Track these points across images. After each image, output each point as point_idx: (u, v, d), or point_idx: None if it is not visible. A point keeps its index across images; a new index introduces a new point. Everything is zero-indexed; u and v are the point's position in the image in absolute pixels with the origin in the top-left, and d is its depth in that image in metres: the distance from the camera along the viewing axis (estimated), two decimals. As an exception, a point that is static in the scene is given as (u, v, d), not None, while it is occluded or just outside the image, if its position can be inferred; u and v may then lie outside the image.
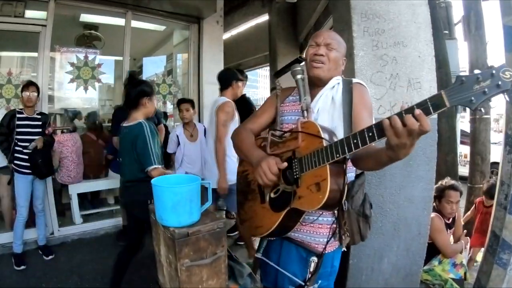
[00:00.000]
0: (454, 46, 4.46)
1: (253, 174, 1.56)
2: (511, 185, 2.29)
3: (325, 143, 1.19)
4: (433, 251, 2.75)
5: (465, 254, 3.01)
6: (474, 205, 3.70)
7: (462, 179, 4.29)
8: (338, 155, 1.12)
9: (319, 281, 1.47)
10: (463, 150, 6.73)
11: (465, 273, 2.82)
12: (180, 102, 3.77)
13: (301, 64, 1.49)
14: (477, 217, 3.55)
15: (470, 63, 3.87)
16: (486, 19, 3.86)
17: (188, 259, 1.13)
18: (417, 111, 0.93)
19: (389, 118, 0.99)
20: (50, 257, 3.42)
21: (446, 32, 4.38)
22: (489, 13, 4.51)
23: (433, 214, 2.66)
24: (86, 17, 4.97)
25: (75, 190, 4.13)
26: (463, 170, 5.11)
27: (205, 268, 1.16)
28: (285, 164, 1.32)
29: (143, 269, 3.04)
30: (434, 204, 2.87)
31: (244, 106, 3.72)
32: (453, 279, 2.71)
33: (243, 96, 3.85)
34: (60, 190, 4.39)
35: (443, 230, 2.82)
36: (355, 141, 1.07)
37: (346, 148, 1.10)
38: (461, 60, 4.50)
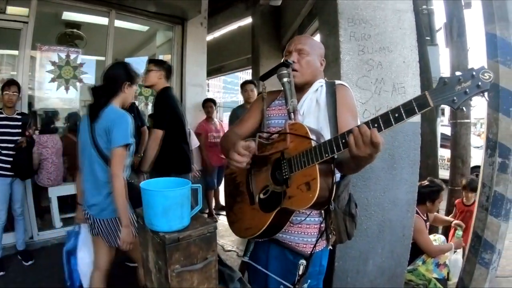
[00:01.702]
0: (435, 52, 4.58)
1: (241, 176, 1.57)
2: (492, 187, 2.36)
3: (313, 144, 1.21)
4: (416, 251, 2.80)
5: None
6: (454, 207, 3.79)
7: (443, 181, 4.39)
8: (327, 155, 1.15)
9: (309, 281, 1.48)
10: (443, 153, 6.88)
11: (448, 273, 2.89)
12: None
13: (287, 67, 1.49)
14: (458, 217, 3.63)
15: (452, 69, 3.97)
16: (468, 26, 3.97)
17: (178, 264, 1.11)
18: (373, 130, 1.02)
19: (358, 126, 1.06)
20: (30, 262, 3.32)
21: (428, 38, 4.49)
22: (471, 20, 4.64)
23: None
24: (68, 15, 4.84)
25: (55, 193, 4.01)
26: (443, 173, 5.22)
27: (196, 274, 1.14)
28: (253, 144, 1.36)
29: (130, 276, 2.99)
30: (427, 205, 2.96)
31: None
32: (436, 279, 2.77)
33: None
34: (39, 193, 4.27)
35: (424, 230, 2.90)
36: (343, 140, 1.11)
37: (335, 147, 1.13)
38: (442, 66, 4.62)
